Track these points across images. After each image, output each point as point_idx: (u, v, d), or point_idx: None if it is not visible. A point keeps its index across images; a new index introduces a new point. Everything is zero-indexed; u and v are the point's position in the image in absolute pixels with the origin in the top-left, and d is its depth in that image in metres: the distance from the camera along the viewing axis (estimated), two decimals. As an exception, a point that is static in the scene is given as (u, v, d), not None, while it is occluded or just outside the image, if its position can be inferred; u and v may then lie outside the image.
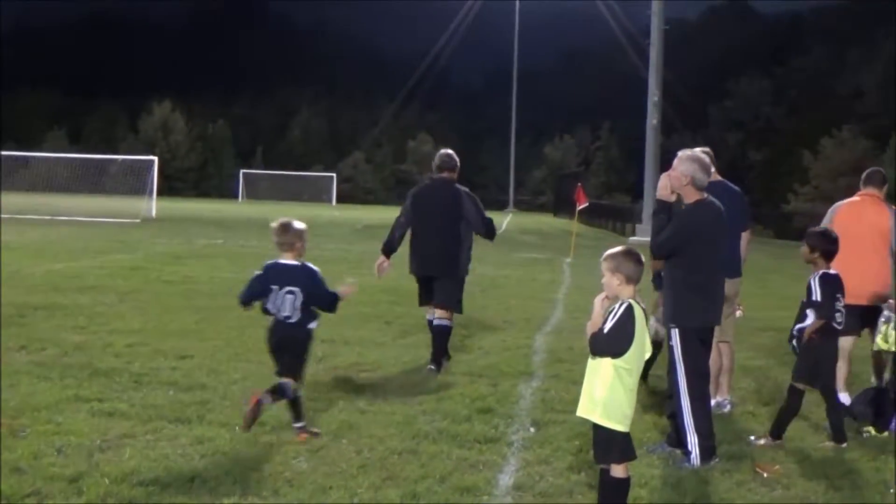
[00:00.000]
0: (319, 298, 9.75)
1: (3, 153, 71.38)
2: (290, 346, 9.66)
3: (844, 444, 9.80)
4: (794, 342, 10.13)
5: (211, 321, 16.58)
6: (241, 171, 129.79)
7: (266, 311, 9.79)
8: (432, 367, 12.86)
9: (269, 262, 10.01)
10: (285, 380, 9.43)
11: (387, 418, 10.16)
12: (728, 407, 11.26)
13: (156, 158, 68.03)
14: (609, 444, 7.13)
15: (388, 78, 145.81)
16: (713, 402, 10.23)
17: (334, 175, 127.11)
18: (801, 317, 10.05)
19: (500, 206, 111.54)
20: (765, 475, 8.73)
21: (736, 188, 11.41)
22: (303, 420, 9.50)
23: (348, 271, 26.78)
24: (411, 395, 11.29)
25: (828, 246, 10.07)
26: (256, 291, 9.88)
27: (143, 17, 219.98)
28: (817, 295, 9.81)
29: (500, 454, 9.04)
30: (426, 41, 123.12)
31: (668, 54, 56.79)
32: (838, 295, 9.94)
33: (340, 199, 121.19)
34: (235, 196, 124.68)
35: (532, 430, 9.96)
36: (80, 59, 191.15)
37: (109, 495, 7.58)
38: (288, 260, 9.90)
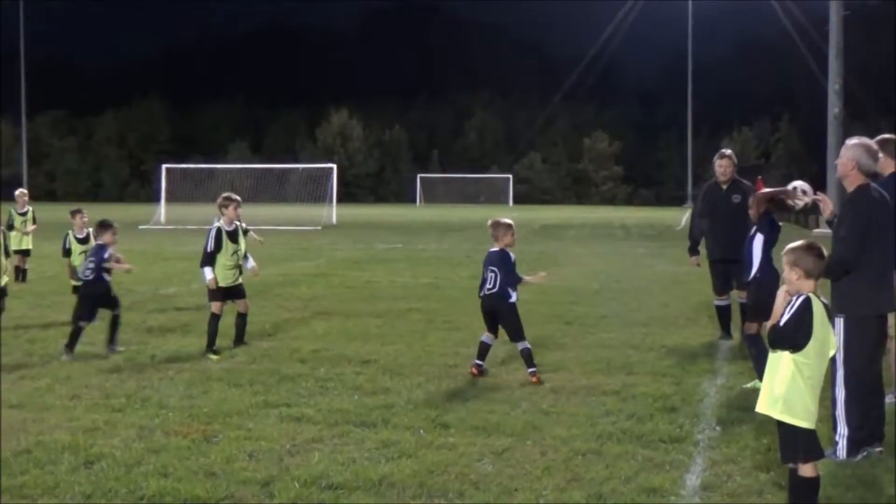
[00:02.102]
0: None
1: (191, 166, 73.66)
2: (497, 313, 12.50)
3: None
4: None
5: (392, 325, 16.78)
6: (418, 175, 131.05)
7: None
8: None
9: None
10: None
11: (570, 419, 10.13)
12: (892, 399, 10.69)
13: (335, 166, 69.17)
14: (793, 442, 6.96)
15: (561, 76, 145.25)
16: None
17: (510, 176, 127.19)
18: None
19: (679, 201, 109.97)
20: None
21: None
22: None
23: (527, 272, 26.78)
24: (594, 396, 11.23)
25: None
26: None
27: (318, 25, 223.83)
28: None
29: (686, 454, 8.93)
30: (599, 38, 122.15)
31: (848, 40, 55.09)
32: None
33: (517, 200, 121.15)
34: (413, 200, 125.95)
35: (718, 428, 9.80)
36: (260, 70, 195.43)
37: (300, 498, 7.75)
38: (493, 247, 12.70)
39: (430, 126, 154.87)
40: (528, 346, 12.26)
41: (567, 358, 13.59)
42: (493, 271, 12.37)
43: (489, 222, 12.96)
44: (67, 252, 17.66)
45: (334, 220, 58.98)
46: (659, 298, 20.79)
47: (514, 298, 12.38)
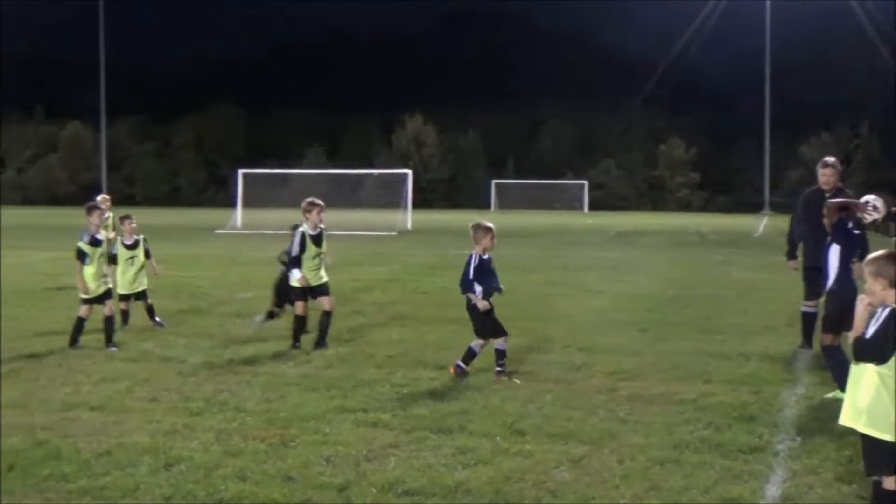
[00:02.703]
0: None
1: (267, 171, 74.22)
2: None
3: None
4: None
5: (467, 331, 16.71)
6: (493, 181, 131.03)
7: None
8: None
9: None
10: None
11: (647, 427, 10.05)
12: None
13: (410, 171, 69.29)
14: (878, 455, 6.85)
15: (636, 81, 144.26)
16: None
17: (585, 182, 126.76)
18: None
19: (755, 208, 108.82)
20: None
21: None
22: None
23: (602, 279, 26.74)
24: (671, 404, 11.14)
25: None
26: None
27: (392, 31, 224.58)
28: None
29: (765, 464, 8.82)
30: (673, 42, 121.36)
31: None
32: None
33: (592, 207, 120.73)
34: (487, 206, 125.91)
35: (798, 438, 9.67)
36: (334, 75, 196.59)
37: (376, 504, 7.77)
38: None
39: (504, 131, 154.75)
40: (482, 344, 12.90)
41: (643, 365, 13.49)
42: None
43: (471, 224, 13.57)
44: (113, 258, 16.67)
45: (409, 225, 59.09)
46: (735, 306, 20.58)
47: (474, 300, 12.88)
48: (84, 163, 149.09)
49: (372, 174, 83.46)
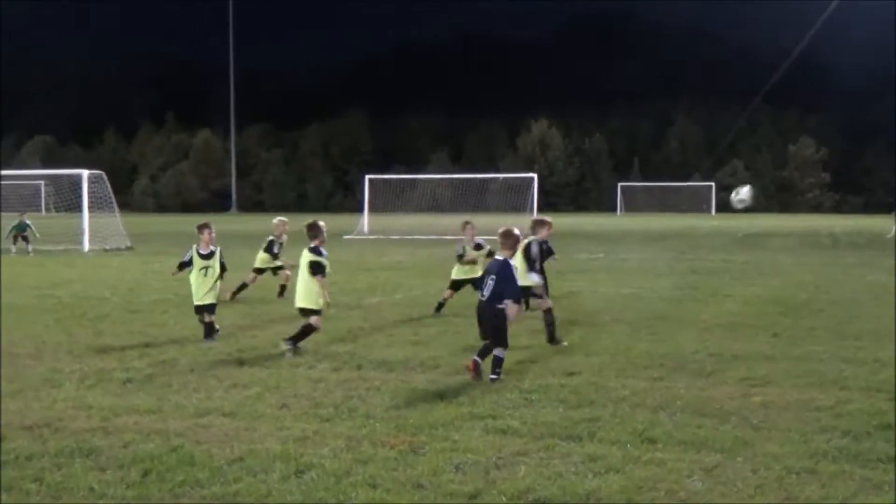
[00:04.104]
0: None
1: (393, 176, 74.77)
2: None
3: None
4: None
5: (596, 336, 16.63)
6: (619, 183, 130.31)
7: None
8: None
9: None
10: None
11: (782, 435, 9.83)
12: None
13: (535, 175, 69.15)
14: None
15: (764, 80, 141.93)
16: None
17: (713, 184, 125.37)
18: None
19: (887, 208, 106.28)
20: None
21: None
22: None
23: (730, 282, 26.37)
24: (806, 411, 10.89)
25: None
26: None
27: (516, 34, 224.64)
28: None
29: (906, 474, 8.56)
30: (802, 39, 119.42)
31: None
32: None
33: (720, 209, 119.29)
34: (613, 209, 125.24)
35: (940, 448, 9.38)
36: (458, 80, 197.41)
37: (506, 512, 7.72)
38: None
39: (630, 134, 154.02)
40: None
41: (776, 371, 13.22)
42: (491, 279, 13.02)
43: (500, 231, 13.55)
44: (187, 264, 16.59)
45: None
46: (871, 310, 20.11)
47: (503, 305, 12.84)
48: (214, 169, 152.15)
49: (497, 178, 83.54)
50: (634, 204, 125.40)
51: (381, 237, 53.70)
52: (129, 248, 43.99)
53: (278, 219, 24.27)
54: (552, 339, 15.69)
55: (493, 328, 12.94)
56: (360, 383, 12.56)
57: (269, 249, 23.41)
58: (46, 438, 9.85)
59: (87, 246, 43.69)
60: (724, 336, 16.40)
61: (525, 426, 10.26)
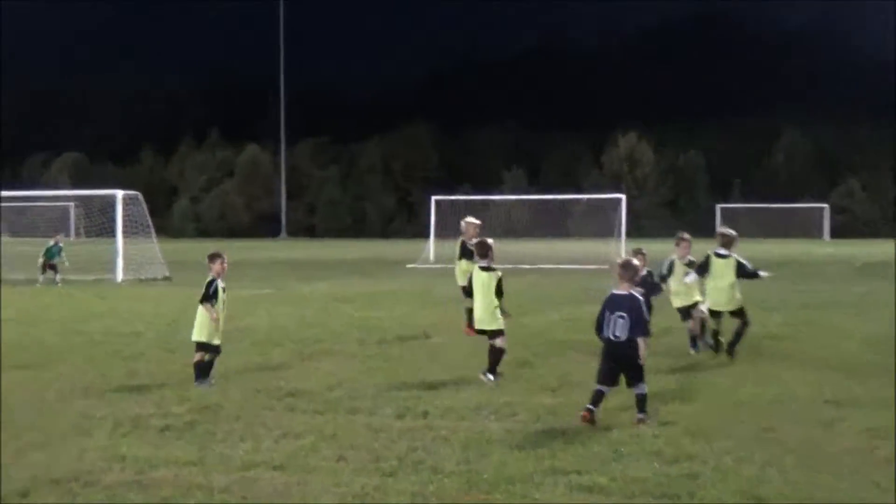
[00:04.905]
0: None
1: (462, 197, 74.85)
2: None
3: None
4: None
5: (694, 379, 16.47)
6: (717, 205, 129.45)
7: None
8: None
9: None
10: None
11: (914, 495, 9.66)
12: None
13: (623, 196, 68.80)
14: None
15: (883, 88, 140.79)
16: None
17: (826, 206, 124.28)
18: None
19: None
20: None
21: None
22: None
23: (849, 318, 26.03)
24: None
25: None
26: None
27: (597, 43, 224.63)
28: None
29: None
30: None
31: None
32: None
33: (835, 234, 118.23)
34: (711, 234, 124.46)
35: None
36: (532, 92, 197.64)
37: (594, 581, 7.64)
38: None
39: (729, 149, 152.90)
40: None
41: (901, 421, 12.99)
42: (621, 317, 13.20)
43: (618, 261, 14.10)
44: (211, 296, 16.53)
45: (623, 256, 58.66)
46: None
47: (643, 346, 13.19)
48: (262, 188, 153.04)
49: (581, 199, 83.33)
50: (736, 227, 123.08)
51: (448, 266, 53.61)
52: (166, 279, 44.34)
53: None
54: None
55: (631, 366, 13.20)
56: (426, 432, 12.51)
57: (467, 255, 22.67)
58: (76, 493, 9.91)
59: (120, 275, 44.15)
60: (843, 379, 16.16)
61: (615, 483, 10.15)
